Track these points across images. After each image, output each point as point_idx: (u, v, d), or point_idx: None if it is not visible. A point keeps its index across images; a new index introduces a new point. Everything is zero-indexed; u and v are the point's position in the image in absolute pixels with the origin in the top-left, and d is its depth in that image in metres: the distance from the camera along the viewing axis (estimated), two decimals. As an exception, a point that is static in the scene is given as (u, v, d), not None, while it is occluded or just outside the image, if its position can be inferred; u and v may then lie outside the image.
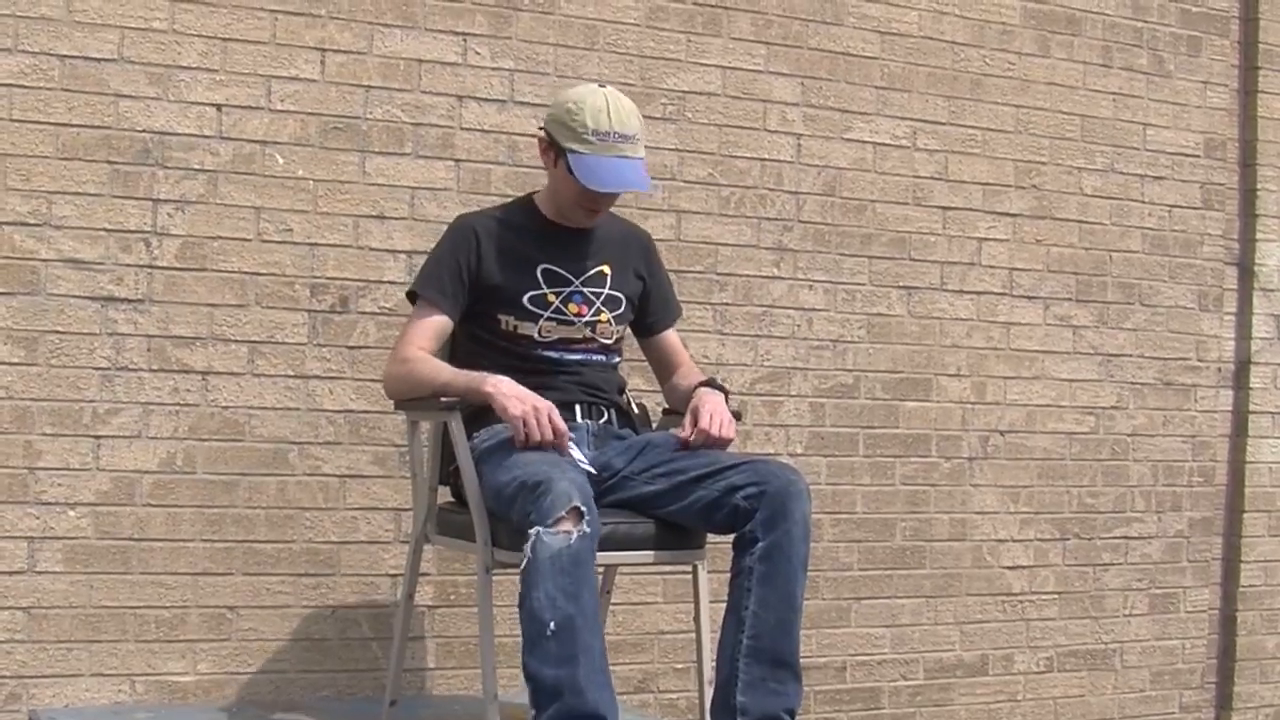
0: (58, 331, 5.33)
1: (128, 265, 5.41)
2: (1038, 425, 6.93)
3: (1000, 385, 6.83)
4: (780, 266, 6.37)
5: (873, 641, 6.58)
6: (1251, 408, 7.47)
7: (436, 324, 4.94)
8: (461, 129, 5.84)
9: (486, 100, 5.88)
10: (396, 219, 5.75)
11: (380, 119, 5.74)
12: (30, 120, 5.30)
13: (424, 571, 5.63)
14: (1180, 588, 7.30)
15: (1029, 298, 6.90)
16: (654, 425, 5.19)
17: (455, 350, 5.05)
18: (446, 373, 4.81)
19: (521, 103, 5.89)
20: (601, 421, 4.99)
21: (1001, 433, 6.84)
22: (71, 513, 5.35)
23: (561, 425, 4.62)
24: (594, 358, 4.99)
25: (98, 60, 5.37)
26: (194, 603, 5.50)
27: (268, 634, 5.60)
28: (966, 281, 6.75)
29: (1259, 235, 7.47)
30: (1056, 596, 6.99)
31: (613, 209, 5.07)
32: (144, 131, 5.43)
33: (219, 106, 5.53)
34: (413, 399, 4.91)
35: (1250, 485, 7.46)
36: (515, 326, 4.91)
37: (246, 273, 5.55)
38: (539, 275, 4.92)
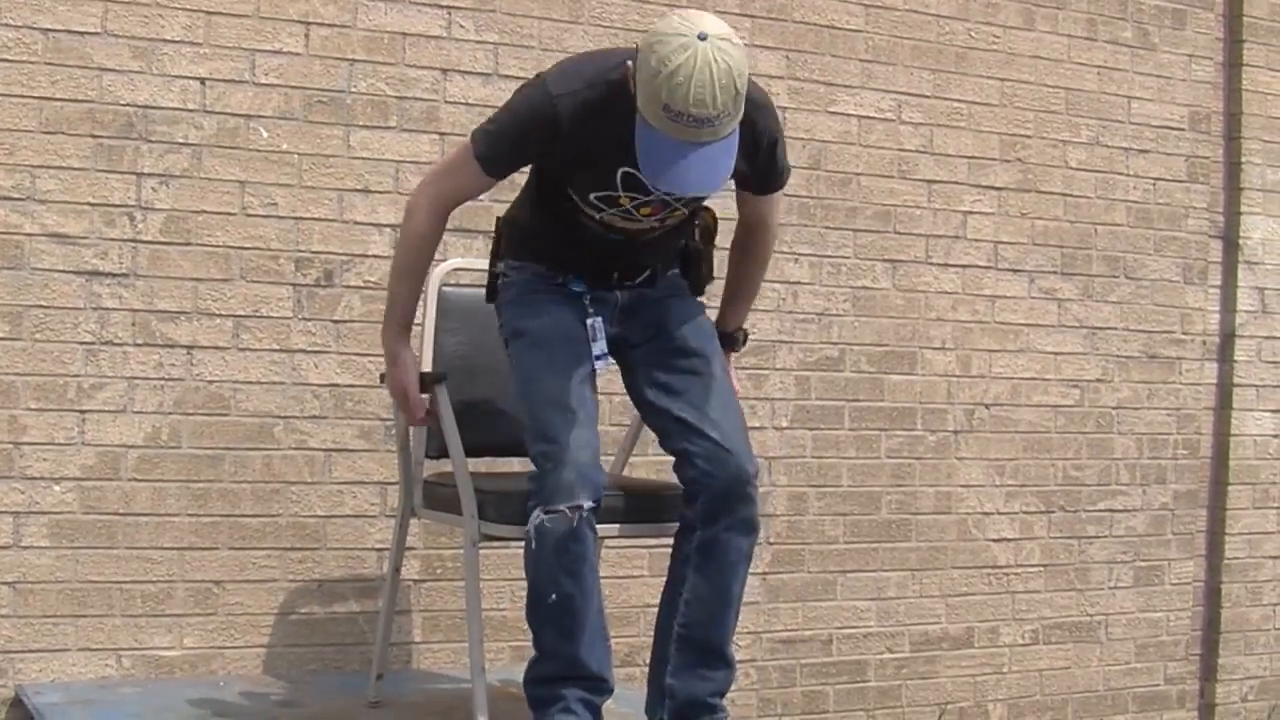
0: (42, 306, 5.32)
1: (112, 239, 5.39)
2: (1023, 399, 6.93)
3: (985, 358, 6.84)
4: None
5: (858, 614, 6.59)
6: (1236, 381, 7.48)
7: (479, 186, 4.51)
8: (446, 102, 5.83)
9: (471, 74, 5.87)
10: (381, 193, 5.73)
11: (365, 93, 5.72)
12: (13, 94, 5.28)
13: (410, 545, 5.62)
14: (1165, 560, 7.32)
15: (1014, 271, 6.90)
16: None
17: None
18: (394, 311, 4.61)
19: (506, 76, 5.87)
20: (642, 279, 4.62)
21: (986, 406, 6.85)
22: (57, 487, 5.34)
23: (416, 405, 4.66)
24: (654, 233, 4.55)
25: (81, 34, 5.36)
26: (180, 577, 5.49)
27: (254, 609, 5.59)
28: (951, 255, 6.75)
29: (1244, 208, 7.47)
30: (1042, 569, 7.00)
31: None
32: (128, 105, 5.42)
33: (203, 80, 5.52)
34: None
35: (1235, 458, 7.47)
36: (577, 199, 4.43)
37: (231, 247, 5.54)
38: (618, 179, 4.34)
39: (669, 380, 4.55)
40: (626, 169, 4.27)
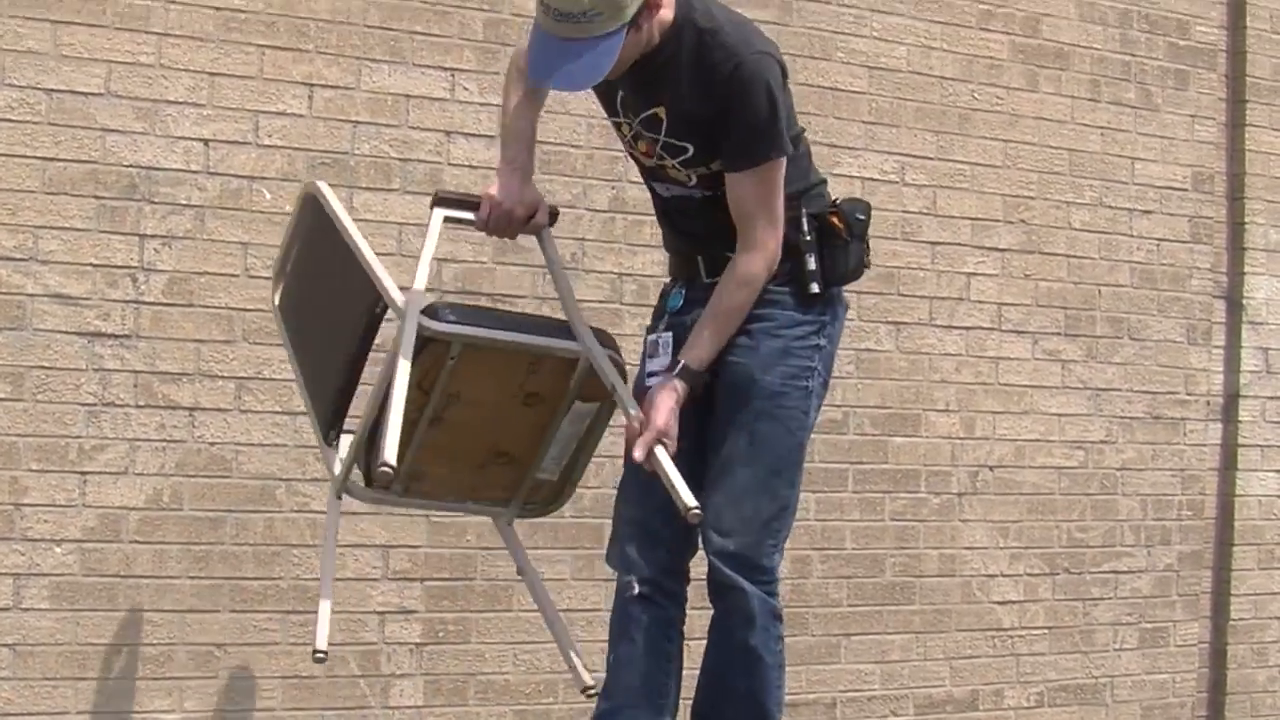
0: (44, 367, 5.31)
1: (114, 300, 5.39)
2: (1027, 460, 6.92)
3: (989, 420, 6.82)
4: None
5: (862, 678, 6.56)
6: (1240, 441, 7.47)
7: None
8: (449, 164, 5.83)
9: (474, 136, 5.87)
10: (384, 254, 5.66)
11: (368, 154, 5.73)
12: (16, 154, 5.28)
13: (411, 609, 5.60)
14: (1170, 622, 7.29)
15: (1018, 332, 6.90)
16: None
17: None
18: (508, 132, 4.36)
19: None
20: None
21: (990, 468, 6.83)
22: (58, 549, 5.32)
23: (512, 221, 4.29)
24: (696, 194, 4.31)
25: (85, 94, 5.36)
26: (181, 640, 5.47)
27: (255, 672, 5.57)
28: (955, 317, 6.74)
29: (1247, 268, 7.47)
30: (1046, 631, 6.97)
31: (734, 24, 4.26)
32: (131, 166, 5.42)
33: (206, 141, 5.52)
34: None
35: (1240, 518, 7.45)
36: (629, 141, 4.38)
37: (234, 308, 5.53)
38: (619, 102, 4.29)
39: (715, 438, 4.31)
40: (623, 91, 4.25)
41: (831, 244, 4.33)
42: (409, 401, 4.10)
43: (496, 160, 4.41)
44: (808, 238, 4.30)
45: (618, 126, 4.36)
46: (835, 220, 4.34)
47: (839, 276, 4.37)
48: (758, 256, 4.22)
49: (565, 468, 4.52)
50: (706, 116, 4.17)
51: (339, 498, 4.51)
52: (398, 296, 4.32)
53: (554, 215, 4.36)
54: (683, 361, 4.19)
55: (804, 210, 4.31)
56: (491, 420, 4.37)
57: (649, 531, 4.27)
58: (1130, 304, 7.17)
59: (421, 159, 5.79)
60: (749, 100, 4.16)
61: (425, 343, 4.19)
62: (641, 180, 4.51)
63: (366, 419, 4.28)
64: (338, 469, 4.47)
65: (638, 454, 4.10)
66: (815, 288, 4.31)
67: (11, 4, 5.26)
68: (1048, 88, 6.98)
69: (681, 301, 4.37)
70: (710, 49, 4.16)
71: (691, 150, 4.22)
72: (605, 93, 4.31)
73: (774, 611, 4.26)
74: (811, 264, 4.30)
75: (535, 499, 4.59)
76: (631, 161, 4.49)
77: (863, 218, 4.39)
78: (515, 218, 4.26)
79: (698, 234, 4.35)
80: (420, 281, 4.30)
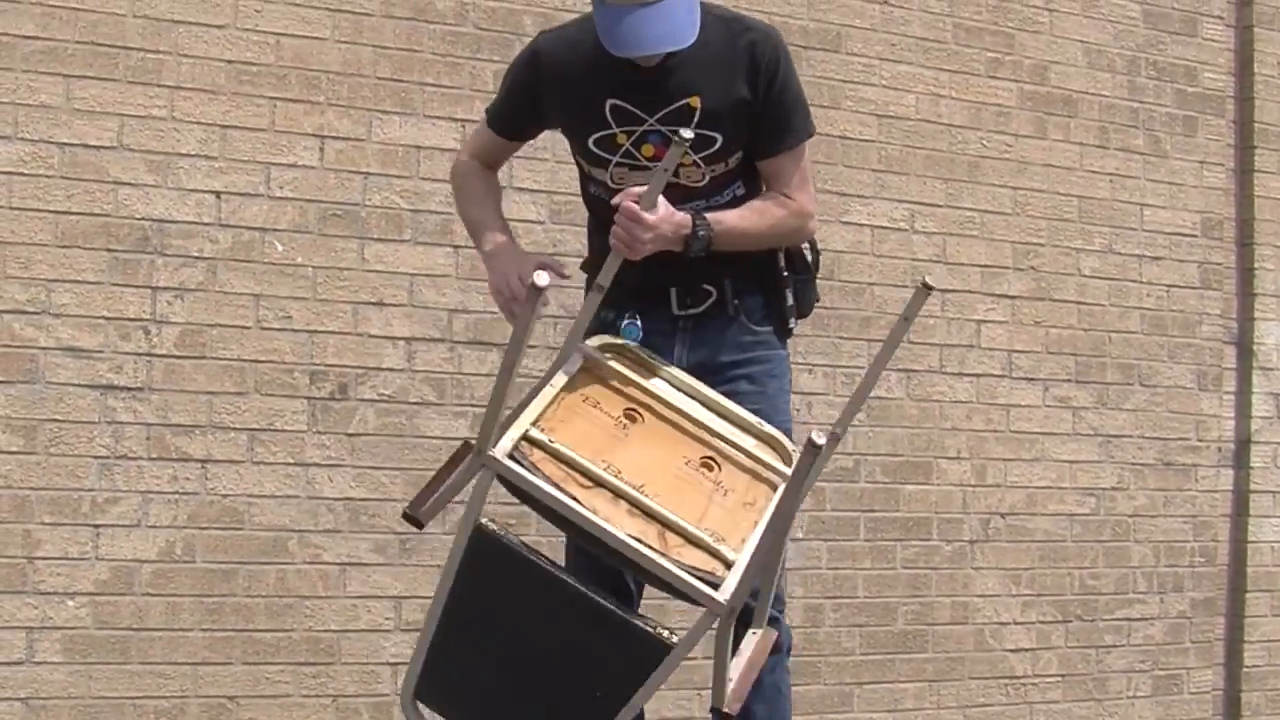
0: (56, 420, 5.31)
1: (127, 353, 5.39)
2: (1038, 507, 6.91)
3: (1001, 467, 6.82)
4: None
5: (875, 726, 6.56)
6: (1252, 487, 7.46)
7: (484, 140, 4.36)
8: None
9: (485, 186, 5.88)
10: (395, 306, 5.74)
11: (379, 206, 5.74)
12: (29, 208, 5.30)
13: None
14: (1184, 669, 7.27)
15: (1028, 379, 6.90)
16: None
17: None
18: (472, 213, 4.31)
19: (520, 189, 5.88)
20: (708, 304, 4.20)
21: (1002, 515, 6.82)
22: (70, 602, 5.32)
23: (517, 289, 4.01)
24: (689, 205, 4.11)
25: (97, 148, 5.38)
26: (193, 693, 5.46)
27: (267, 723, 5.58)
28: (966, 364, 6.74)
29: (1257, 314, 7.47)
30: (1060, 679, 6.95)
31: (737, 7, 4.32)
32: (143, 219, 5.43)
33: (218, 194, 5.53)
34: None
35: (1252, 564, 7.43)
36: (589, 171, 4.20)
37: (246, 360, 5.54)
38: (607, 112, 4.09)
39: None
40: (613, 100, 4.08)
41: (803, 279, 4.31)
42: None
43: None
44: (785, 273, 4.26)
45: (605, 141, 4.15)
46: (803, 256, 4.32)
47: (805, 312, 4.34)
48: (809, 218, 4.24)
49: None
50: (744, 99, 4.11)
51: None
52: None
53: (558, 267, 4.14)
54: (707, 216, 4.07)
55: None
56: None
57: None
58: (1141, 350, 7.17)
59: (433, 210, 5.80)
60: (788, 80, 4.17)
61: None
62: (599, 212, 4.24)
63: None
64: None
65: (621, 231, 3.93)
66: (793, 324, 4.30)
67: (24, 58, 5.28)
68: (1056, 135, 7.00)
69: (639, 334, 4.16)
70: (739, 35, 4.13)
71: (720, 141, 4.11)
72: (581, 111, 4.14)
73: (785, 644, 4.23)
74: (790, 300, 4.27)
75: None
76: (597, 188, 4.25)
77: (819, 252, 4.38)
78: (520, 294, 4.04)
79: (677, 262, 4.12)
80: None
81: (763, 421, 4.02)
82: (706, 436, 3.88)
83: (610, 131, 4.11)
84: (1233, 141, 7.50)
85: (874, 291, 6.56)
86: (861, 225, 6.55)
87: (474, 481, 3.59)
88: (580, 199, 4.33)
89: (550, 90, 4.16)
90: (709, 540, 3.61)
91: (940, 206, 6.72)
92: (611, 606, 3.67)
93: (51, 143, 5.33)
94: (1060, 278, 6.99)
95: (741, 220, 4.12)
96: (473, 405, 5.78)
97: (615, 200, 3.94)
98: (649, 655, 3.59)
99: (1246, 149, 7.51)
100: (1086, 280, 7.06)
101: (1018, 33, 6.92)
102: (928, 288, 3.67)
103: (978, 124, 6.82)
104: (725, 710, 3.75)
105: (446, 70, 5.85)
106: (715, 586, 3.53)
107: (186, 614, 5.45)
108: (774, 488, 3.85)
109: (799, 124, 4.22)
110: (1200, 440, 7.34)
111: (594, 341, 3.92)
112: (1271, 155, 7.53)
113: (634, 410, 3.85)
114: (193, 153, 5.50)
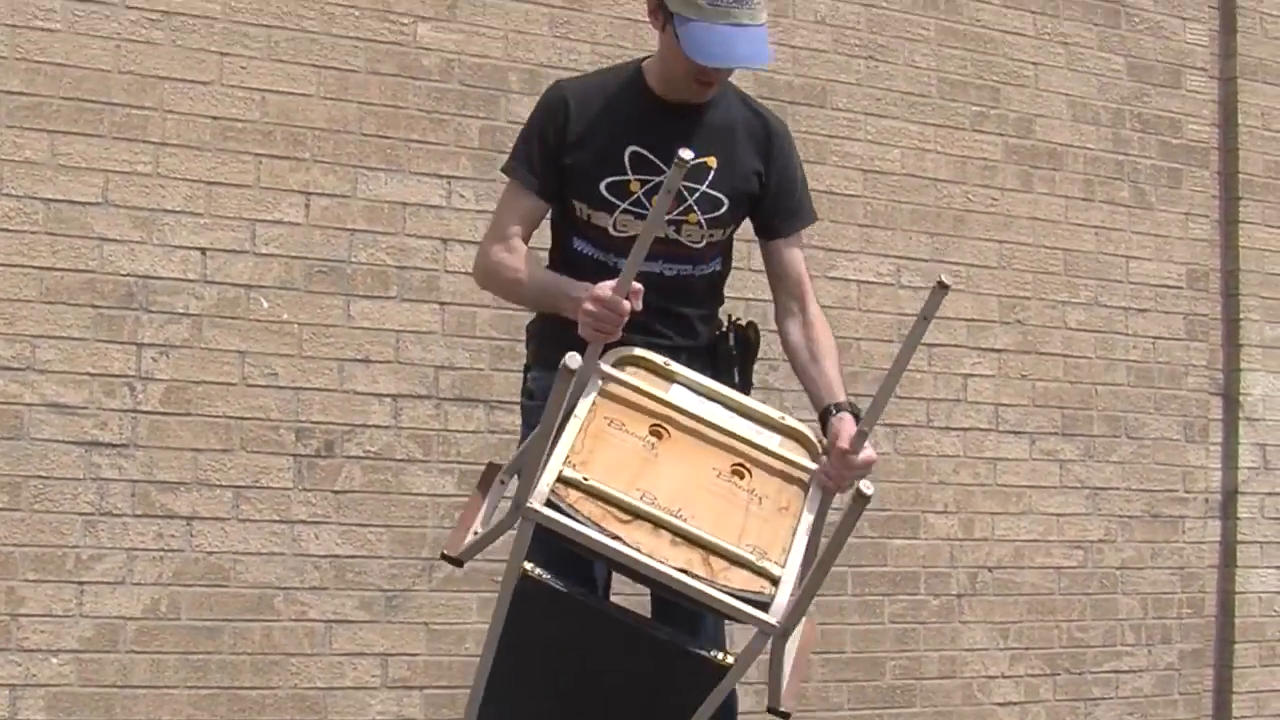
0: (41, 476, 5.30)
1: (112, 410, 5.38)
2: (1026, 560, 6.90)
3: (988, 521, 6.81)
4: (766, 404, 6.33)
5: (863, 781, 6.53)
6: (1239, 538, 7.45)
7: (527, 207, 4.20)
8: (446, 272, 5.84)
9: (471, 243, 5.85)
10: (382, 363, 5.73)
11: (365, 262, 5.74)
12: (14, 264, 5.29)
13: (410, 717, 5.57)
14: (1172, 721, 7.26)
15: (1015, 433, 6.89)
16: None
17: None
18: (533, 277, 4.14)
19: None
20: (686, 344, 4.24)
21: (990, 569, 6.81)
22: (54, 660, 5.30)
23: (613, 321, 3.85)
24: (677, 268, 4.21)
25: (82, 204, 5.38)
26: (178, 751, 5.45)
27: (252, 782, 5.55)
28: (953, 418, 6.74)
29: (1243, 365, 7.47)
30: (1048, 733, 6.94)
31: (748, 92, 4.38)
32: (128, 275, 5.43)
33: (203, 250, 5.53)
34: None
35: (1240, 616, 7.42)
36: (589, 216, 4.18)
37: (231, 417, 5.53)
38: (625, 158, 4.14)
39: None
40: (635, 148, 4.13)
41: (749, 356, 4.38)
42: None
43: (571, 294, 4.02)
44: (734, 351, 4.33)
45: (618, 186, 4.15)
46: (749, 333, 4.36)
47: (748, 389, 4.35)
48: (819, 307, 4.34)
49: None
50: (757, 171, 4.22)
51: None
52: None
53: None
54: (846, 402, 4.15)
55: (729, 319, 4.34)
56: None
57: None
58: (1127, 402, 7.17)
59: (419, 266, 5.80)
60: (798, 162, 4.33)
61: None
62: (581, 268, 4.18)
63: None
64: None
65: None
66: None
67: (9, 114, 5.28)
68: (1042, 188, 7.01)
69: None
70: (757, 111, 4.28)
71: (727, 205, 4.19)
72: (599, 153, 4.15)
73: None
74: (737, 378, 4.33)
75: None
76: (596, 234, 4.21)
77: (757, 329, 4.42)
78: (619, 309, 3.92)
79: (662, 307, 4.15)
80: None
81: (784, 415, 4.05)
82: (733, 443, 3.89)
83: (625, 177, 4.14)
84: (1217, 193, 7.51)
85: (861, 346, 6.56)
86: (848, 280, 6.55)
87: (515, 528, 3.59)
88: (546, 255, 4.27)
89: (574, 130, 4.15)
90: (753, 559, 3.63)
91: (926, 261, 6.73)
92: (666, 637, 3.73)
93: (36, 198, 5.33)
94: (1046, 331, 7.00)
95: (838, 373, 4.26)
96: (459, 462, 5.78)
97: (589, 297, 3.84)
98: (707, 679, 3.64)
99: (1231, 200, 7.52)
100: (1073, 333, 7.06)
101: (1002, 86, 6.94)
102: (944, 286, 3.63)
103: (963, 178, 6.83)
104: (782, 710, 3.78)
105: (432, 126, 5.86)
106: (765, 606, 3.55)
107: (171, 671, 5.43)
108: (804, 487, 3.87)
109: (809, 206, 4.36)
110: (1187, 491, 7.33)
111: (609, 357, 3.90)
112: (1256, 206, 7.55)
113: (659, 426, 3.84)
114: (178, 209, 5.49)
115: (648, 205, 4.08)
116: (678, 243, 4.16)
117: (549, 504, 3.56)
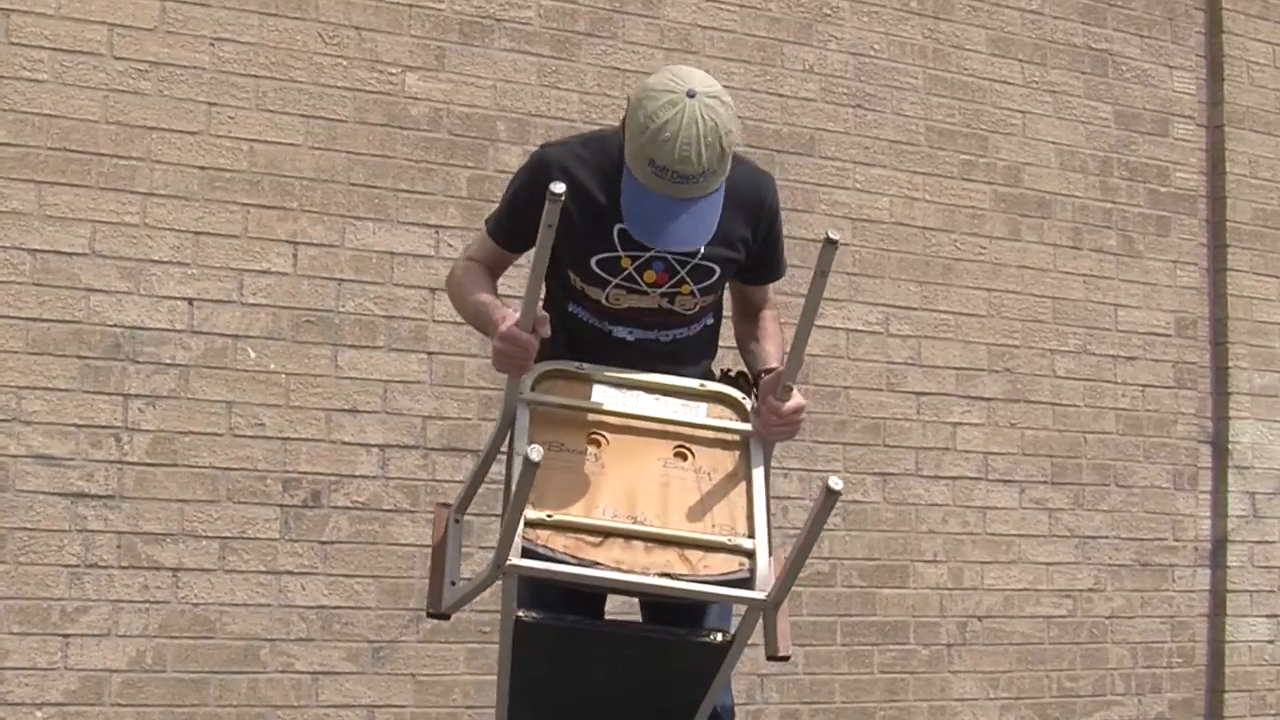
0: (26, 529, 5.27)
1: (98, 461, 5.36)
2: (1015, 610, 6.88)
3: (977, 570, 6.79)
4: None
5: (853, 832, 6.50)
6: (1229, 586, 7.44)
7: (496, 253, 4.24)
8: (434, 321, 5.83)
9: (459, 291, 5.88)
10: (369, 413, 5.72)
11: (352, 312, 5.73)
12: (0, 315, 5.27)
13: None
14: (1162, 771, 7.24)
15: (1004, 481, 6.88)
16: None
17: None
18: (474, 298, 4.15)
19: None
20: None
21: (979, 618, 6.79)
22: (39, 713, 5.27)
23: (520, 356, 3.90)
24: (673, 333, 4.23)
25: (69, 254, 5.37)
26: (163, 805, 5.42)
27: (238, 835, 5.51)
28: (941, 467, 6.73)
29: (1232, 413, 7.46)
30: (1038, 783, 6.92)
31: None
32: (115, 326, 5.41)
33: (191, 300, 5.52)
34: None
35: (1230, 664, 7.40)
36: (582, 287, 4.16)
37: (218, 468, 5.51)
38: (614, 235, 4.08)
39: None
40: (622, 226, 4.05)
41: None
42: None
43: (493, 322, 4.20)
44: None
45: (609, 262, 4.12)
46: (740, 384, 4.30)
47: None
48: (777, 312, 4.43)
49: None
50: (745, 237, 4.19)
51: None
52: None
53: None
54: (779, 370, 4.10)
55: (722, 372, 4.32)
56: None
57: None
58: (1116, 451, 7.16)
59: (406, 316, 5.79)
60: (781, 224, 4.32)
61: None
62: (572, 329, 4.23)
63: None
64: None
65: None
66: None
67: (-4, 165, 5.28)
68: (1030, 236, 7.01)
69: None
70: (747, 175, 4.19)
71: (718, 273, 4.17)
72: (587, 231, 4.12)
73: None
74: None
75: None
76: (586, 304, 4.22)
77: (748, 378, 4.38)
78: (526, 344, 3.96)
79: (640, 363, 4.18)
80: None
81: (703, 382, 4.12)
82: (667, 428, 3.97)
83: (615, 255, 4.10)
84: (1205, 240, 7.52)
85: (849, 395, 6.55)
86: (836, 329, 6.54)
87: (500, 584, 3.69)
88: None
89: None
90: (725, 541, 3.76)
91: (915, 309, 6.72)
92: (663, 634, 3.90)
93: (23, 249, 5.32)
94: (1035, 379, 6.99)
95: (780, 352, 4.23)
96: (446, 512, 5.75)
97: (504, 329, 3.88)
98: (711, 659, 3.82)
99: (1219, 248, 7.53)
100: (1061, 381, 7.06)
101: (991, 135, 6.95)
102: (832, 242, 3.72)
103: (952, 226, 6.84)
104: (782, 655, 3.97)
105: (420, 176, 5.85)
106: (750, 583, 3.73)
107: (157, 724, 5.41)
108: (745, 448, 3.98)
109: (784, 262, 4.38)
110: (1177, 540, 7.32)
111: (527, 378, 3.92)
112: (1244, 254, 7.55)
113: (595, 434, 3.91)
114: (165, 259, 5.48)
115: (639, 280, 4.09)
116: (672, 312, 4.17)
117: (524, 553, 3.64)
